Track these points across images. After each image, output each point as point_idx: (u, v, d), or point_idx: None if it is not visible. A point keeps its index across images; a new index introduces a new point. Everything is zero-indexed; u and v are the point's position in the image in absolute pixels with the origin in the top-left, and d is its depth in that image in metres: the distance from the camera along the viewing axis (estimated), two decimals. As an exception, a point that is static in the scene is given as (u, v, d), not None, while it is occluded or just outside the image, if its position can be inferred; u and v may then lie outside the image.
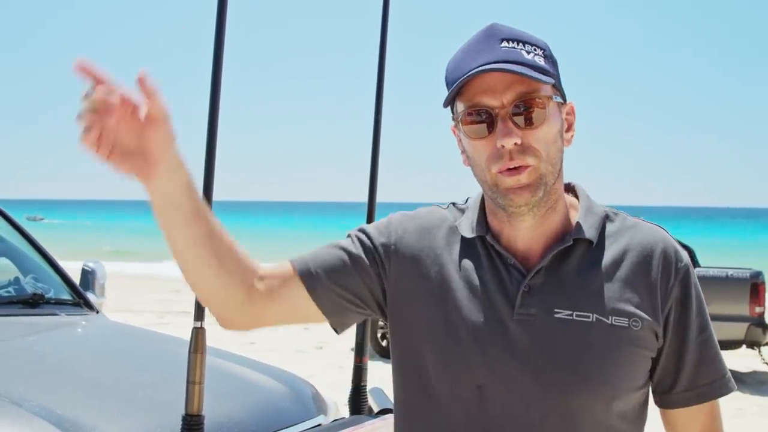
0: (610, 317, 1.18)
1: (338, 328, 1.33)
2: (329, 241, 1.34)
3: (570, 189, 1.32)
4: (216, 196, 1.84)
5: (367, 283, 1.29)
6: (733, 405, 7.01)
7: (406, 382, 1.29)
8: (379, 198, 2.38)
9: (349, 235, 1.34)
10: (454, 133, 1.27)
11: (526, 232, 1.22)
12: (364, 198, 2.37)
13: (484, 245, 1.25)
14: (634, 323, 1.19)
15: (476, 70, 1.15)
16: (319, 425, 2.41)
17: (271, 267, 1.30)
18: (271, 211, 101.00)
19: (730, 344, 7.94)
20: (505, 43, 1.17)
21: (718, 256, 16.26)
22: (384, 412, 2.30)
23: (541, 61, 1.18)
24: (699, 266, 8.13)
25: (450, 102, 1.22)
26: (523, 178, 1.16)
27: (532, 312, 1.19)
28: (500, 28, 1.20)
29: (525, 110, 1.16)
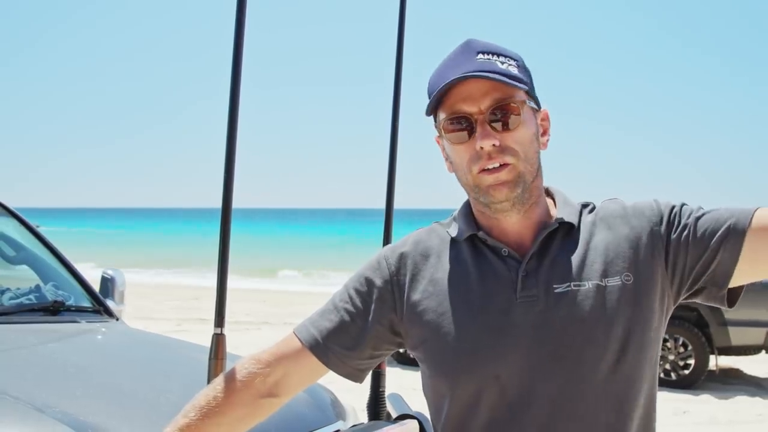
0: (603, 280, 1.27)
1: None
2: (333, 302, 1.41)
3: (546, 191, 1.41)
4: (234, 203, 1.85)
5: (381, 334, 1.38)
6: (753, 411, 6.95)
7: (436, 398, 1.36)
8: (397, 204, 2.38)
9: (348, 292, 1.40)
10: (438, 143, 1.37)
11: (516, 225, 1.32)
12: (382, 204, 2.38)
13: (474, 244, 1.35)
14: (626, 278, 1.27)
15: (453, 78, 1.25)
16: (338, 431, 2.42)
17: (278, 366, 1.42)
18: (288, 218, 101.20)
19: (750, 349, 7.87)
20: (480, 56, 1.28)
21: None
22: (402, 417, 2.30)
23: (514, 71, 1.28)
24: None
25: (432, 111, 1.32)
26: (502, 175, 1.26)
27: (533, 293, 1.27)
28: (476, 43, 1.30)
29: (502, 115, 1.26)
